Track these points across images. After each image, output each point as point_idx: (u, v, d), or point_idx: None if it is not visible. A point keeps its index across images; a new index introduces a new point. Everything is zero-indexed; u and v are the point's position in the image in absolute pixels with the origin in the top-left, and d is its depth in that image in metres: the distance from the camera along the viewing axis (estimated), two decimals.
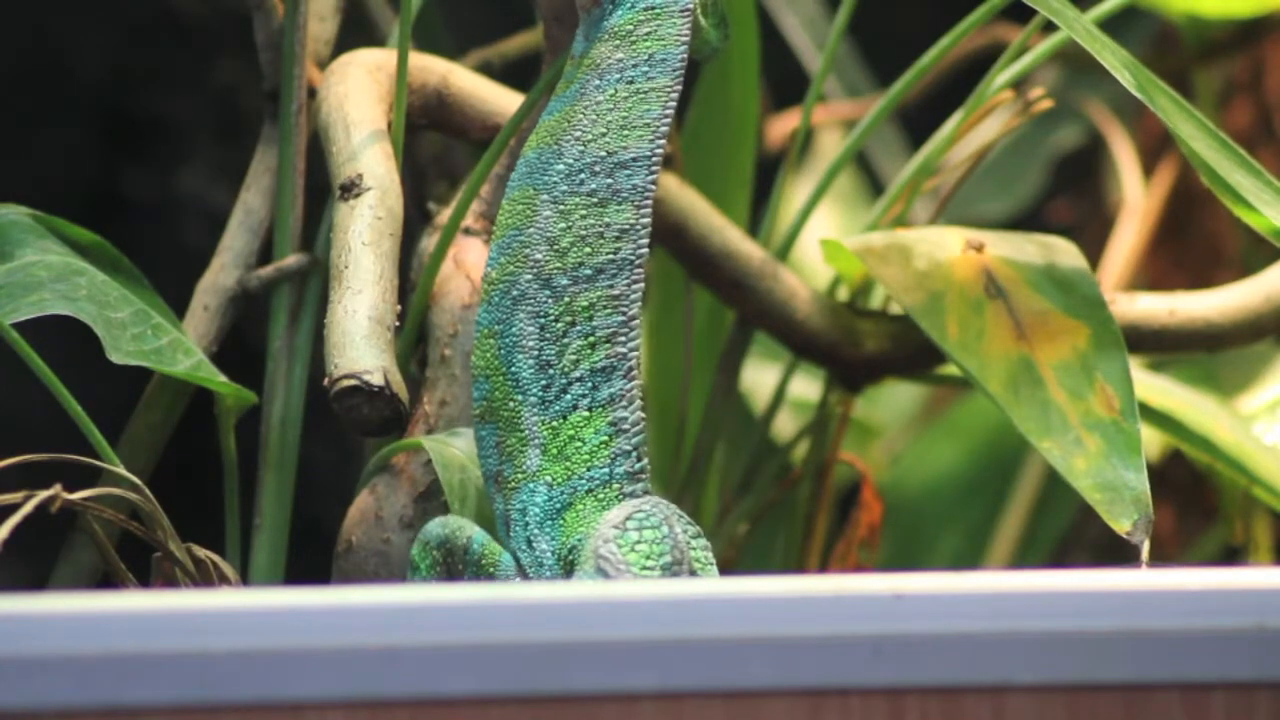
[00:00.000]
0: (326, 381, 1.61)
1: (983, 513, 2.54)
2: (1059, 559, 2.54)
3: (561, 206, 1.64)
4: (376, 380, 1.60)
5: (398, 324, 1.66)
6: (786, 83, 2.47)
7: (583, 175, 1.64)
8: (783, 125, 2.61)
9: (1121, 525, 1.63)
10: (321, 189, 1.80)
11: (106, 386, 1.78)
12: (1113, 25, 1.86)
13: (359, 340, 1.62)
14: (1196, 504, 2.60)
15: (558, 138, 1.66)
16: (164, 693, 1.28)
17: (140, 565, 1.70)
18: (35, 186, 2.34)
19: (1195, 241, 2.71)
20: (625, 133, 1.65)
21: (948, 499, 2.55)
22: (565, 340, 1.63)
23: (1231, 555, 2.37)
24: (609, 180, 1.64)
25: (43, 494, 1.60)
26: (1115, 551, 1.88)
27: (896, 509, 2.48)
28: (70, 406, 1.69)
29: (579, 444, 1.63)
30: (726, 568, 2.02)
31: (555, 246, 1.63)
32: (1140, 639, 1.33)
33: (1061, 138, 2.78)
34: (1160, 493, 1.72)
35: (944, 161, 1.98)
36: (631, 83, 1.66)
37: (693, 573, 1.58)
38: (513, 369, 1.64)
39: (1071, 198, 2.88)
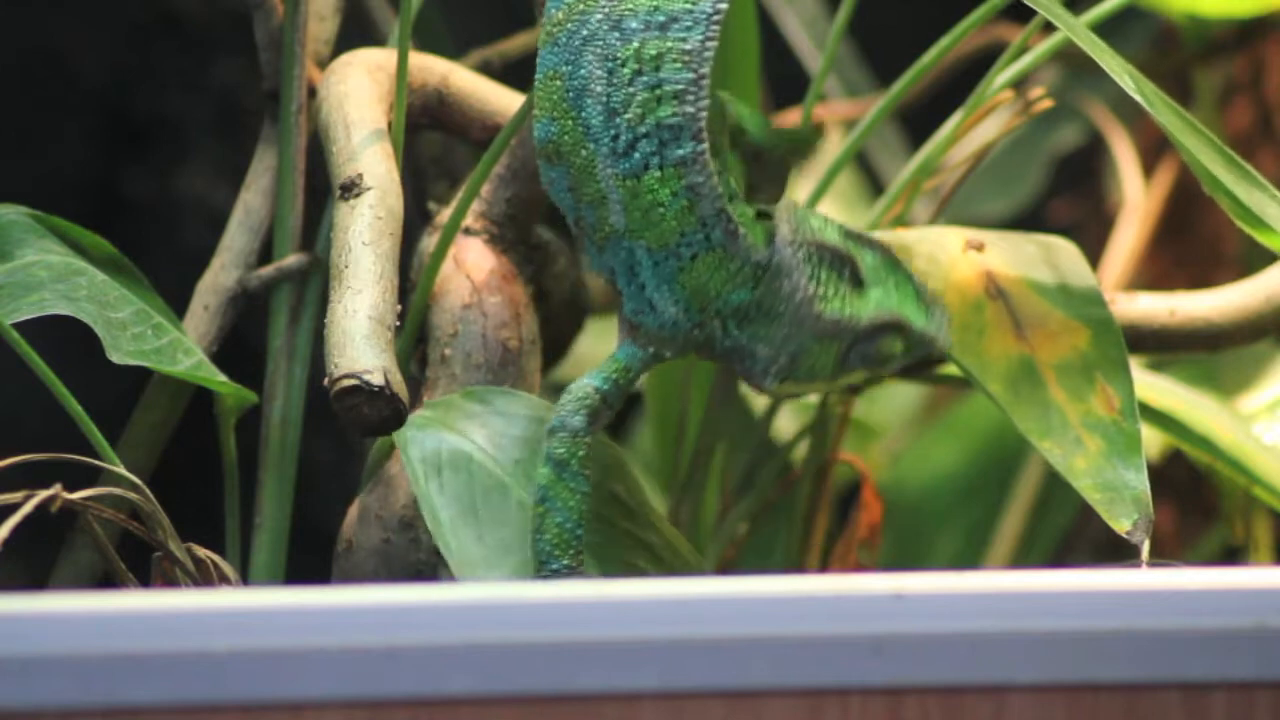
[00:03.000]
0: (326, 381, 1.61)
1: (983, 513, 2.54)
2: (1059, 559, 2.54)
3: None
4: (376, 380, 1.59)
5: (398, 324, 1.66)
6: (786, 83, 2.47)
7: None
8: (783, 125, 2.61)
9: (1121, 525, 1.62)
10: (321, 189, 1.80)
11: (106, 386, 1.78)
12: (1113, 25, 1.86)
13: (359, 340, 1.62)
14: (1196, 504, 2.61)
15: None
16: (164, 693, 1.28)
17: (140, 565, 1.70)
18: (35, 186, 2.34)
19: (1195, 241, 2.71)
20: None
21: (948, 499, 2.55)
22: (630, 89, 1.58)
23: (1231, 555, 2.37)
24: None
25: (43, 494, 1.60)
26: (1115, 551, 1.88)
27: (896, 509, 2.48)
28: (70, 406, 1.69)
29: (660, 209, 1.59)
30: (726, 568, 2.02)
31: None
32: (1140, 639, 1.33)
33: (1061, 138, 2.78)
34: (1160, 493, 1.72)
35: (944, 161, 1.98)
36: None
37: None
38: (583, 114, 1.59)
39: (1071, 198, 2.88)
